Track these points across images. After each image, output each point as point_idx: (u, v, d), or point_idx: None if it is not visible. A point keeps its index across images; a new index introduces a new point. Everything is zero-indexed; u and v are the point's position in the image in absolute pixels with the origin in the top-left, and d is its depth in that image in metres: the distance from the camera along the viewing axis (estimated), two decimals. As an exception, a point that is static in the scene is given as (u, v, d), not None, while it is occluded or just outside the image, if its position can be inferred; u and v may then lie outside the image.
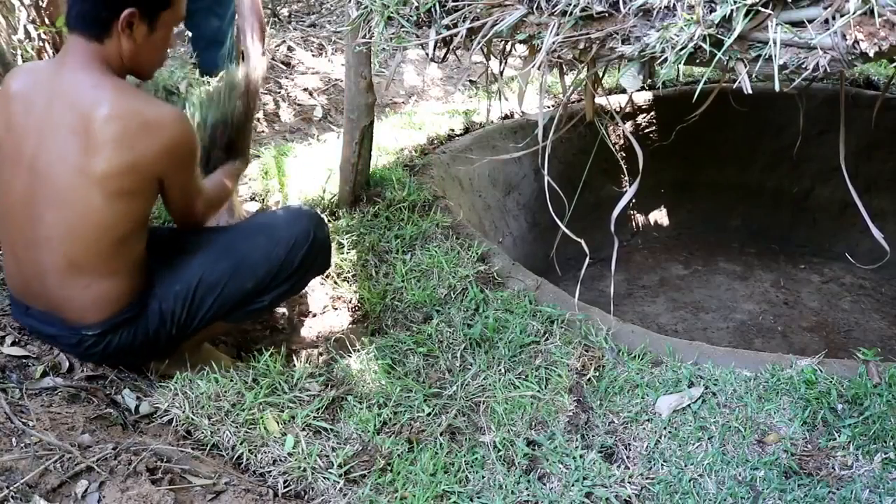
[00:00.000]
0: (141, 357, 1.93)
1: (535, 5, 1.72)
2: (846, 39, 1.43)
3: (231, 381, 1.89)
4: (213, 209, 1.99)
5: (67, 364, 1.88)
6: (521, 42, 1.79)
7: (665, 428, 1.85)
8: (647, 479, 1.73)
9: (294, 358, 2.14)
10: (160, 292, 1.86)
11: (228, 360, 2.11)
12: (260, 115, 4.08)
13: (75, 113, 1.62)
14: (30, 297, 1.82)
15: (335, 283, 2.50)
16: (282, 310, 2.40)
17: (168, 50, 1.80)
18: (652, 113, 3.81)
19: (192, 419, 1.78)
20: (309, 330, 2.25)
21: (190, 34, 3.06)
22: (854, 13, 1.41)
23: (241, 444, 1.73)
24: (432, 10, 1.88)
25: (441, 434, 1.83)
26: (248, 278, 1.89)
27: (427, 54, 1.96)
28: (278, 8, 5.33)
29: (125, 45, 1.67)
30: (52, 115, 1.65)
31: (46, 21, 3.48)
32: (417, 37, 1.92)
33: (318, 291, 2.49)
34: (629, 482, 1.72)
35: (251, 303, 1.95)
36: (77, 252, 1.71)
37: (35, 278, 1.76)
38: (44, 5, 3.54)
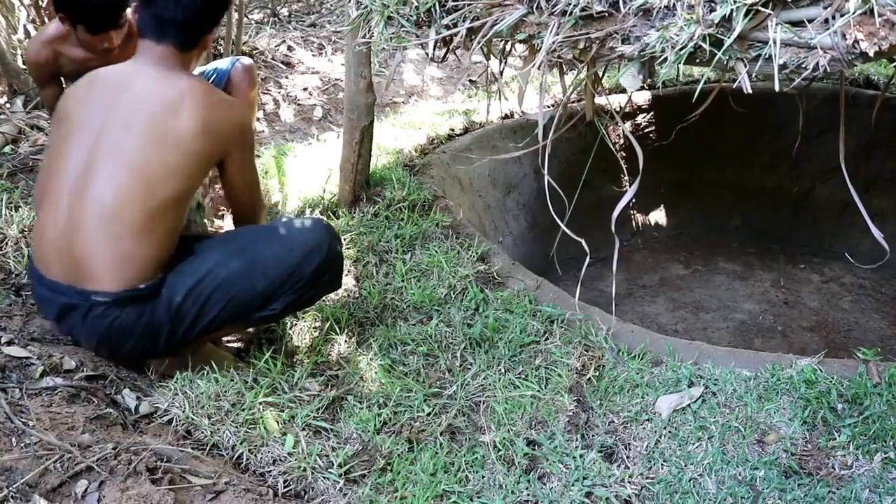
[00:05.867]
0: (139, 348, 1.88)
1: (535, 5, 1.72)
2: (846, 39, 1.43)
3: (231, 380, 1.89)
4: (263, 208, 2.15)
5: (73, 364, 1.88)
6: (521, 42, 1.79)
7: (665, 428, 1.85)
8: (647, 478, 1.73)
9: (294, 358, 2.14)
10: (172, 283, 1.85)
11: (231, 358, 2.11)
12: (260, 114, 4.08)
13: (160, 86, 1.83)
14: (50, 260, 1.83)
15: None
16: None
17: None
18: (652, 113, 3.81)
19: (192, 419, 1.78)
20: (309, 329, 2.25)
21: None
22: (854, 13, 1.41)
23: (241, 443, 1.73)
24: (432, 9, 1.88)
25: (441, 434, 1.83)
26: (258, 279, 1.87)
27: (427, 54, 1.96)
28: (278, 8, 5.33)
29: (198, 56, 1.95)
30: (133, 92, 1.83)
31: (46, 21, 3.48)
32: (417, 36, 1.92)
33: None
34: (629, 482, 1.72)
35: (262, 309, 1.92)
36: (125, 198, 1.77)
37: (67, 233, 1.79)
38: (44, 5, 3.54)
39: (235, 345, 2.29)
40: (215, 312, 1.87)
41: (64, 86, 2.65)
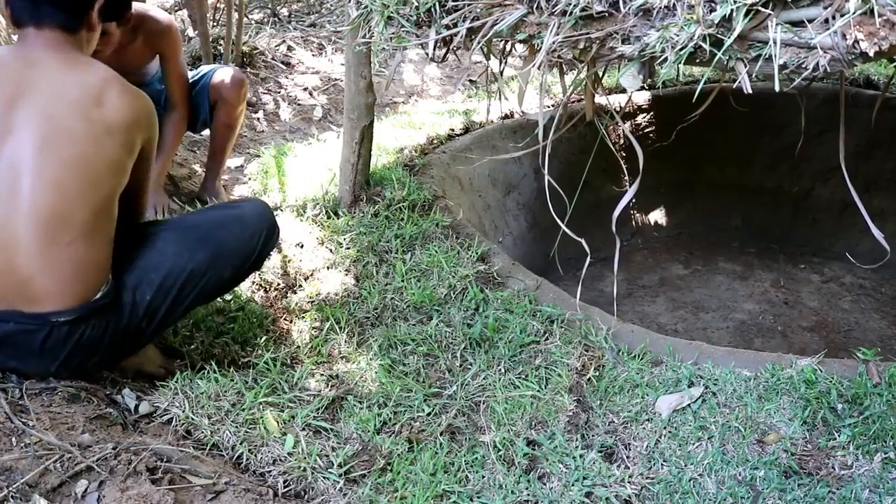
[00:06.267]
0: (107, 358, 1.80)
1: (535, 5, 1.72)
2: (846, 39, 1.43)
3: (231, 380, 1.89)
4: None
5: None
6: (521, 42, 1.79)
7: (665, 428, 1.85)
8: (647, 478, 1.73)
9: (294, 358, 2.14)
10: (136, 283, 1.75)
11: (157, 354, 2.08)
12: (260, 114, 4.08)
13: (75, 72, 1.67)
14: None
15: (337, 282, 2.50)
16: (281, 308, 2.40)
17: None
18: (652, 113, 3.81)
19: (192, 419, 1.78)
20: (309, 329, 2.25)
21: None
22: (854, 13, 1.41)
23: (241, 443, 1.73)
24: (432, 9, 1.88)
25: (441, 434, 1.83)
26: (226, 267, 1.90)
27: (427, 54, 1.96)
28: (278, 8, 5.33)
29: (89, 38, 1.78)
30: (42, 81, 1.64)
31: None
32: (417, 36, 1.92)
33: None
34: (629, 482, 1.72)
35: (227, 290, 2.05)
36: (66, 205, 1.60)
37: (9, 241, 1.58)
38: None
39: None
40: (187, 304, 1.85)
41: None
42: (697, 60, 1.59)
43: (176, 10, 4.87)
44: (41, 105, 1.61)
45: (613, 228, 2.12)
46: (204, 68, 2.97)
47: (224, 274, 1.90)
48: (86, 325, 1.67)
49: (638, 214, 4.04)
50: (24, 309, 1.61)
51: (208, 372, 1.91)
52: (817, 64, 1.46)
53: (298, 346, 2.17)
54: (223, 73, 2.89)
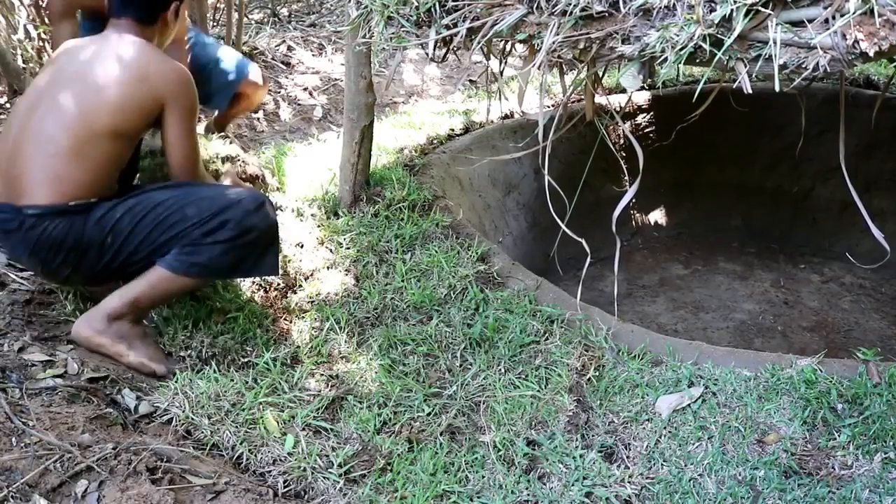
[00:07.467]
0: (70, 264, 1.99)
1: (535, 5, 1.72)
2: (846, 39, 1.43)
3: (231, 380, 1.89)
4: (204, 179, 2.22)
5: (76, 367, 1.88)
6: (521, 42, 1.79)
7: (665, 428, 1.85)
8: (647, 478, 1.73)
9: (294, 358, 2.14)
10: (114, 204, 2.00)
11: (160, 351, 2.10)
12: (260, 114, 4.08)
13: (113, 46, 2.03)
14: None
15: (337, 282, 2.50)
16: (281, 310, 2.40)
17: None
18: (652, 113, 3.81)
19: (192, 419, 1.78)
20: (309, 329, 2.25)
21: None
22: (854, 13, 1.41)
23: (241, 443, 1.73)
24: (432, 9, 1.88)
25: (441, 434, 1.83)
26: (189, 206, 2.01)
27: (427, 54, 1.96)
28: (278, 8, 5.33)
29: (161, 31, 2.14)
30: (89, 56, 2.02)
31: (46, 21, 3.48)
32: (417, 36, 1.92)
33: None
34: (629, 482, 1.72)
35: (184, 238, 2.00)
36: (61, 125, 1.94)
37: (9, 157, 1.96)
38: (44, 5, 3.54)
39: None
40: (146, 233, 1.98)
41: (79, 26, 2.63)
42: (697, 60, 1.59)
43: (176, 10, 4.86)
44: (79, 69, 2.00)
45: (613, 228, 2.12)
46: (220, 52, 2.96)
47: (185, 210, 2.00)
48: (49, 222, 1.93)
49: (638, 214, 4.04)
50: (13, 203, 1.95)
51: (208, 372, 1.91)
52: (817, 64, 1.47)
53: (298, 346, 2.17)
54: (256, 74, 2.99)
